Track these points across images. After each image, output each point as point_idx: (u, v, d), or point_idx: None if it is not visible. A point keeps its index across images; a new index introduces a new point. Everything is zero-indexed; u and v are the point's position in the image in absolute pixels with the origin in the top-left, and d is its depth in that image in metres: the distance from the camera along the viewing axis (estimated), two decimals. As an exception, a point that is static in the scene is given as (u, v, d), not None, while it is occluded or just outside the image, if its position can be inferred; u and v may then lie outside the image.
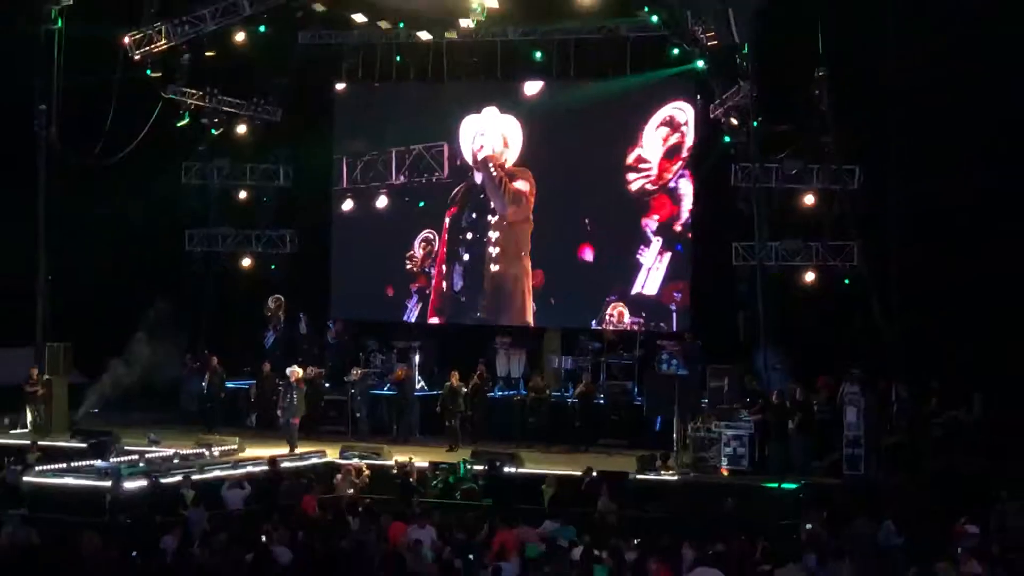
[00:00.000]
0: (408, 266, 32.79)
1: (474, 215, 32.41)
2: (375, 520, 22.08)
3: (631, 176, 31.07)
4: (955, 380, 26.94)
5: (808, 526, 21.59)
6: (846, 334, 27.18)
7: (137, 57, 30.24)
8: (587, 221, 31.59)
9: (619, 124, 31.23)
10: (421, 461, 26.29)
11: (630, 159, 31.07)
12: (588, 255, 31.57)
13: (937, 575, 17.04)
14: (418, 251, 32.77)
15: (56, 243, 29.93)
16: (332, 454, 27.30)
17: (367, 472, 25.98)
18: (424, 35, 30.85)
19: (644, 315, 30.90)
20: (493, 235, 32.28)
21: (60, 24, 29.32)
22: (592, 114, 31.23)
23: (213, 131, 32.49)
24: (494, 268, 32.26)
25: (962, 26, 25.64)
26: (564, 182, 31.70)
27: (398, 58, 32.26)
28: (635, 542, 20.44)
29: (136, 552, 20.71)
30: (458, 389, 29.13)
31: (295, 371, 29.13)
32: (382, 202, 33.08)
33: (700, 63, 28.67)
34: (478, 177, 32.41)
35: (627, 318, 30.76)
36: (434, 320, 32.86)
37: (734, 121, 27.96)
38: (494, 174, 32.26)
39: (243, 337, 32.16)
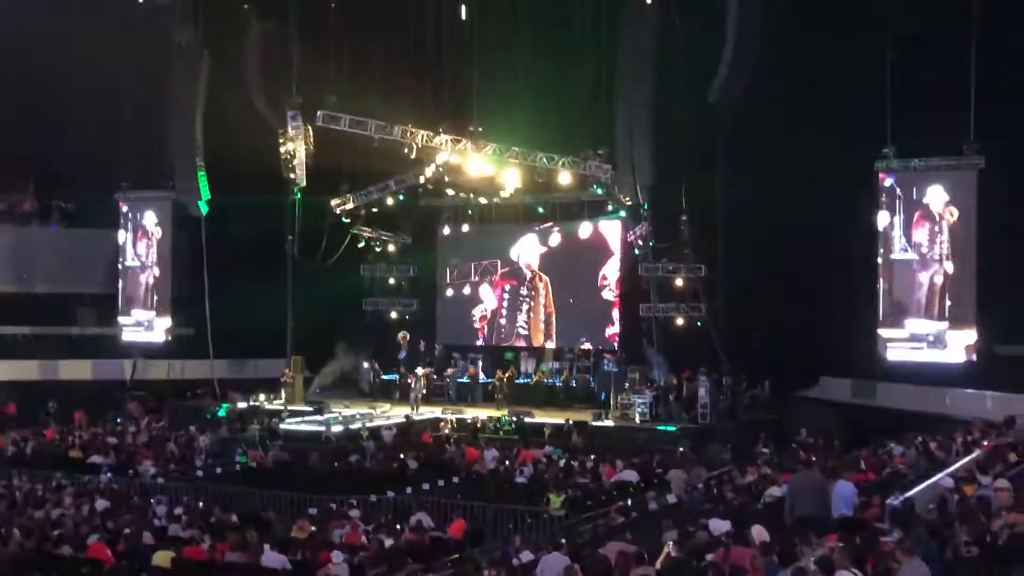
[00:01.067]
0: (476, 325, 31.98)
1: (525, 291, 31.30)
2: (459, 447, 21.80)
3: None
4: (755, 374, 26.54)
5: (681, 449, 21.34)
6: (699, 350, 26.57)
7: (337, 211, 30.27)
8: (573, 300, 30.53)
9: (600, 249, 30.11)
10: (483, 415, 26.04)
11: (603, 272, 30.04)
12: (574, 318, 30.49)
13: (747, 475, 16.70)
14: (477, 315, 31.97)
15: (297, 304, 29.82)
16: (437, 413, 26.97)
17: (455, 422, 25.75)
18: (483, 200, 30.69)
19: (599, 343, 30.01)
20: (532, 304, 31.15)
21: (299, 196, 29.47)
22: (582, 245, 30.33)
23: (376, 249, 32.11)
24: (530, 318, 31.27)
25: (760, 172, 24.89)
26: (569, 283, 30.62)
27: (469, 212, 31.94)
28: (591, 457, 20.21)
29: (338, 463, 20.50)
30: (501, 379, 28.66)
31: (418, 371, 28.94)
32: (467, 290, 32.29)
33: (622, 212, 28.38)
34: (526, 273, 31.43)
35: (588, 345, 30.05)
36: (480, 343, 31.90)
37: (640, 242, 27.61)
38: (531, 273, 31.36)
39: (390, 353, 31.79)
